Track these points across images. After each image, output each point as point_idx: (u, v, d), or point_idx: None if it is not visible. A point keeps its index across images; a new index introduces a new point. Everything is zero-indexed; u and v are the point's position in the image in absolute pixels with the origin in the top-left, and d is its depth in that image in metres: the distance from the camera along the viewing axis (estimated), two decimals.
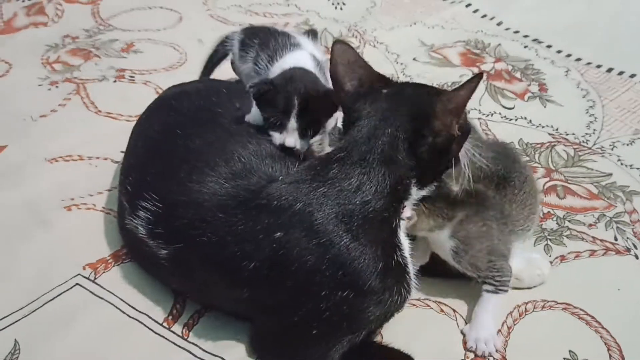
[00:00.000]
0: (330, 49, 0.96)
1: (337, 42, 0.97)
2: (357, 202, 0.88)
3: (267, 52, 1.21)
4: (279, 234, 0.89)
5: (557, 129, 1.43)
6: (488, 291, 1.00)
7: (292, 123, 1.04)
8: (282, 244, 0.88)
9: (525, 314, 1.04)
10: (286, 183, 0.92)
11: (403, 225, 0.92)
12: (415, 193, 0.92)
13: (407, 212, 0.93)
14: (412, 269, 0.93)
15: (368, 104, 0.92)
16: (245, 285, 0.92)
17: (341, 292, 0.88)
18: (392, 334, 0.98)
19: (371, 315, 0.90)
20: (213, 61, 1.43)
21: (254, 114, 1.10)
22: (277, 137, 1.06)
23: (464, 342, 1.00)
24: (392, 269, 0.90)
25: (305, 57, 1.17)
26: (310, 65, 1.14)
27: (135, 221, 0.99)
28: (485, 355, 0.98)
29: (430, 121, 0.88)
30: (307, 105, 1.04)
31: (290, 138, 1.05)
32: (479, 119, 1.45)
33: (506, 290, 1.00)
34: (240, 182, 0.96)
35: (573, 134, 1.42)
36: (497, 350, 0.98)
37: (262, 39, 1.25)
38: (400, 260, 0.91)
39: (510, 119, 1.46)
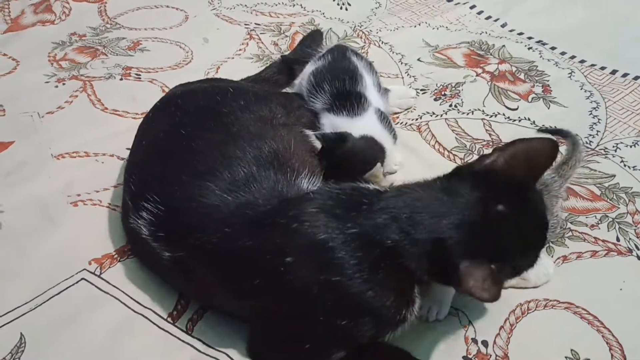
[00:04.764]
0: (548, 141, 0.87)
1: (551, 141, 0.86)
2: (391, 261, 0.85)
3: (336, 105, 1.26)
4: (289, 259, 0.87)
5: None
6: None
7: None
8: (290, 270, 0.87)
9: (528, 313, 1.05)
10: (315, 208, 0.89)
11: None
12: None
13: None
14: (417, 301, 0.91)
15: (469, 212, 0.83)
16: (245, 297, 0.93)
17: (340, 320, 0.88)
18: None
19: (370, 335, 0.91)
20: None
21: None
22: None
23: (466, 339, 1.01)
24: (400, 313, 0.89)
25: (372, 123, 1.23)
26: (377, 130, 1.21)
27: (139, 221, 1.00)
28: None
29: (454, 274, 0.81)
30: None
31: None
32: (482, 119, 1.45)
33: None
34: (244, 196, 0.95)
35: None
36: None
37: (335, 88, 1.28)
38: (409, 311, 0.90)
39: (514, 120, 1.46)
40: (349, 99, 1.25)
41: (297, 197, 0.95)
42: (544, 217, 0.89)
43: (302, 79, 1.36)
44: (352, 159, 1.15)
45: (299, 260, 0.87)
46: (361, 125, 1.22)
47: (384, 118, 1.26)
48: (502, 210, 0.83)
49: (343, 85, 1.27)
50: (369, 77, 1.32)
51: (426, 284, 0.91)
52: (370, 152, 1.18)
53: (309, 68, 1.36)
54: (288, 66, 1.50)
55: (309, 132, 1.17)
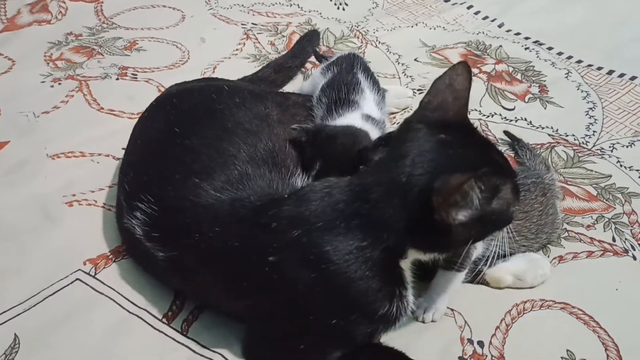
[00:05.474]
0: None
1: (462, 63, 0.89)
2: (361, 242, 0.84)
3: (329, 109, 1.25)
4: (272, 258, 0.87)
5: (557, 130, 1.44)
6: (452, 270, 0.99)
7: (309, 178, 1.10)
8: (274, 268, 0.87)
9: (524, 313, 1.04)
10: (289, 205, 0.89)
11: (408, 262, 0.90)
12: (415, 254, 0.88)
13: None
14: (410, 298, 0.91)
15: (415, 146, 0.83)
16: (239, 297, 0.93)
17: (330, 319, 0.87)
18: (391, 331, 0.98)
19: (364, 332, 0.91)
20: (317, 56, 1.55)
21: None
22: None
23: (462, 339, 1.00)
24: (390, 303, 0.88)
25: (356, 122, 1.20)
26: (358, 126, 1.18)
27: (133, 221, 1.00)
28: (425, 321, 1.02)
29: (430, 198, 0.79)
30: (327, 170, 1.08)
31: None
32: (479, 119, 1.45)
33: (465, 269, 1.01)
34: (237, 194, 0.95)
35: (573, 135, 1.42)
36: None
37: (332, 100, 1.27)
38: (399, 296, 0.89)
39: (511, 120, 1.46)
40: (339, 103, 1.24)
41: (278, 197, 0.94)
42: (487, 139, 0.94)
43: (315, 91, 1.34)
44: (331, 145, 1.13)
45: (281, 260, 0.87)
46: (343, 122, 1.20)
47: (372, 121, 1.22)
48: (444, 137, 0.84)
49: (339, 95, 1.26)
50: (370, 94, 1.30)
51: (414, 264, 0.91)
52: (350, 137, 1.14)
53: (320, 80, 1.34)
54: (315, 57, 1.55)
55: (293, 126, 1.15)
